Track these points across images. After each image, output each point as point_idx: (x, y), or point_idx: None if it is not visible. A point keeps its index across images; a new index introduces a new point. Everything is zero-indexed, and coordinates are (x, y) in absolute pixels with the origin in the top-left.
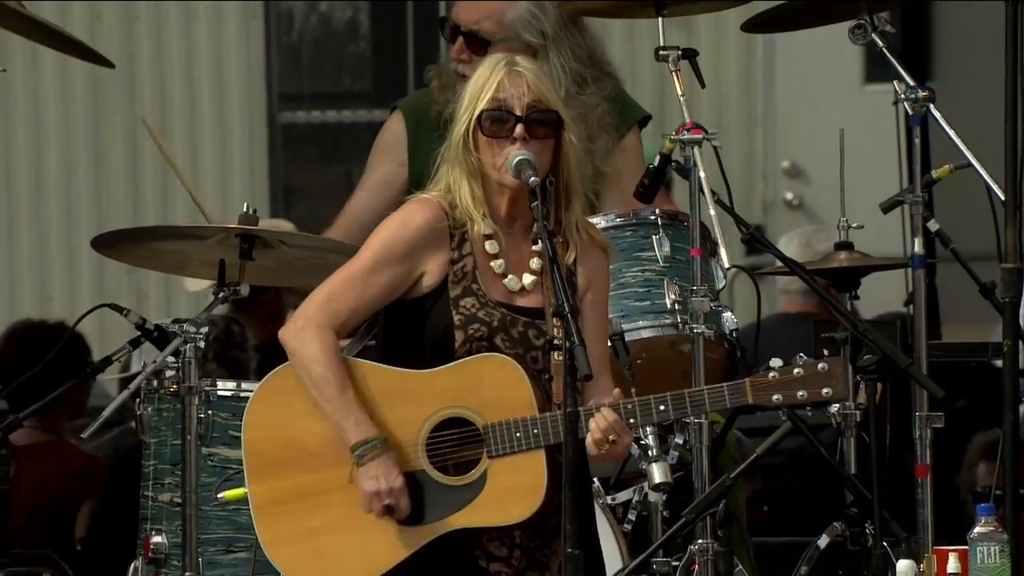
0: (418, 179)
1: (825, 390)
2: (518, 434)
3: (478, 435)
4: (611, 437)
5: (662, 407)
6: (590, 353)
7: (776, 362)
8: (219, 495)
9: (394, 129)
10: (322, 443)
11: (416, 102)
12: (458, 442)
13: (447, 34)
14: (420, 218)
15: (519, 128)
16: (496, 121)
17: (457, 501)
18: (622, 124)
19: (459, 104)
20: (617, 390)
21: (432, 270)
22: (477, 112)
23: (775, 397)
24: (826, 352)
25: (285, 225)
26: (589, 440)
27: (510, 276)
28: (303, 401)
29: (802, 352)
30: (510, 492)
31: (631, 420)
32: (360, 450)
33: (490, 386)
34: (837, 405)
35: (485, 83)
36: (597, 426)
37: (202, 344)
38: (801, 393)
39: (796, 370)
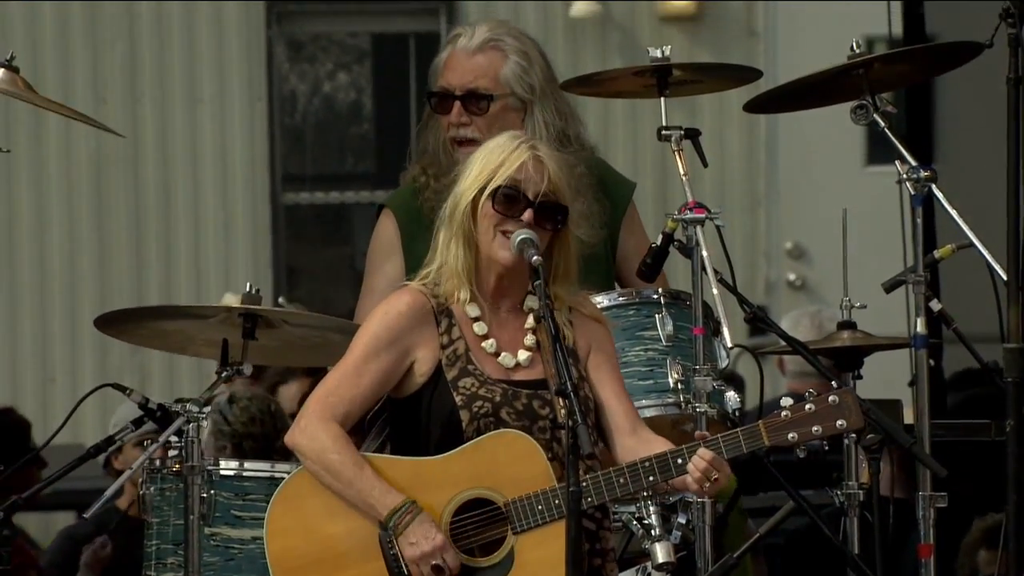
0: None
1: (839, 422)
2: (540, 507)
3: (500, 513)
4: (713, 476)
5: (679, 461)
6: (618, 408)
7: (787, 401)
8: None
9: (387, 229)
10: (347, 541)
11: (403, 200)
12: (481, 523)
13: (437, 105)
14: (402, 304)
15: (528, 213)
16: (509, 200)
17: None
18: (621, 198)
19: (469, 168)
20: (700, 432)
21: (423, 356)
22: (493, 186)
23: (790, 436)
24: (834, 384)
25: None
26: (690, 480)
27: (504, 354)
28: (322, 502)
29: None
30: (540, 565)
31: (650, 478)
32: (393, 520)
33: (505, 463)
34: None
35: (506, 159)
36: (696, 467)
37: (205, 423)
38: (816, 428)
39: (808, 406)
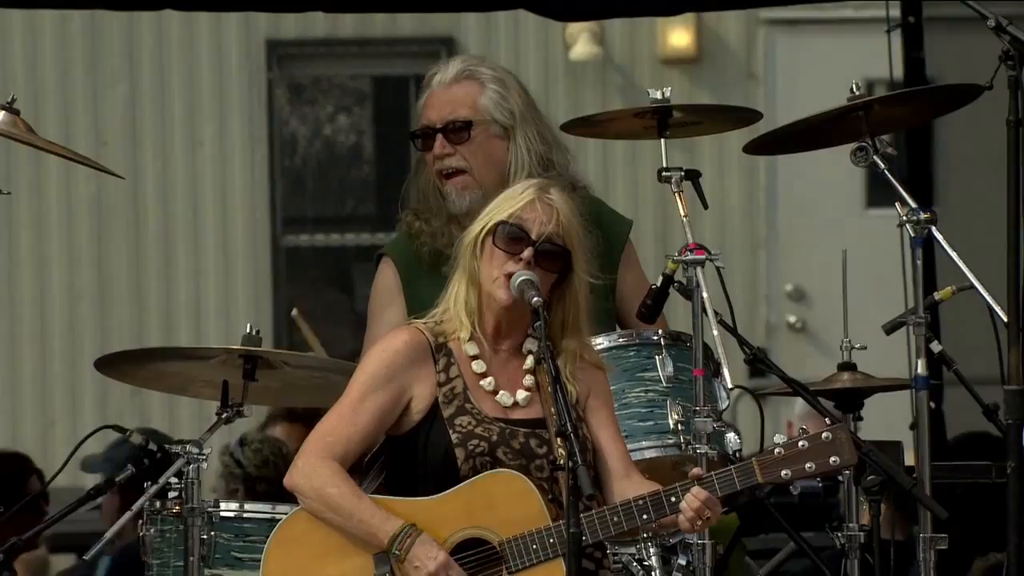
0: None
1: (833, 459)
2: (534, 546)
3: (496, 553)
4: (706, 515)
5: (673, 499)
6: (613, 451)
7: (780, 438)
8: None
9: (387, 277)
10: None
11: (401, 247)
12: (477, 563)
13: (420, 144)
14: (399, 342)
15: (528, 251)
16: (510, 237)
17: None
18: (618, 236)
19: (483, 211)
20: (697, 469)
21: (420, 394)
22: (495, 221)
23: (784, 473)
24: (828, 421)
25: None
26: (682, 519)
27: (502, 392)
28: (317, 544)
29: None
30: None
31: (644, 516)
32: (395, 545)
33: (500, 502)
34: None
35: (514, 198)
36: (689, 506)
37: (205, 465)
38: (809, 465)
39: (801, 443)
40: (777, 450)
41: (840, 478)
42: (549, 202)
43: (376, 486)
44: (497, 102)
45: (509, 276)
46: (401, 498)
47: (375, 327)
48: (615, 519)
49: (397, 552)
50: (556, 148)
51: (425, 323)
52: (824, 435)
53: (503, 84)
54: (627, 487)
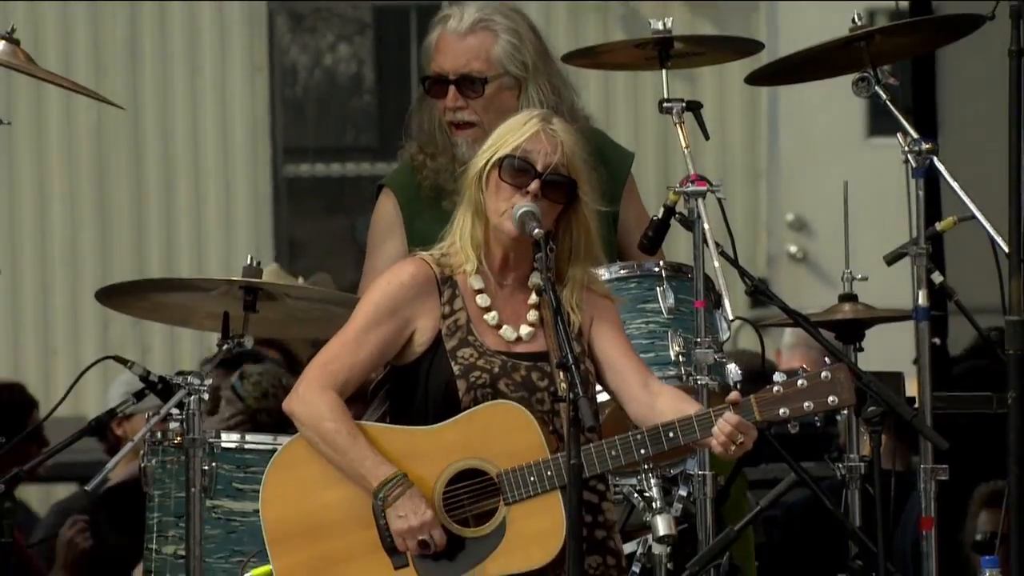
0: None
1: (831, 398)
2: (532, 478)
3: (494, 484)
4: (738, 439)
5: (671, 434)
6: (626, 365)
7: (779, 376)
8: (245, 575)
9: (387, 208)
10: (340, 510)
11: (402, 179)
12: (475, 493)
13: (431, 89)
14: (405, 274)
15: (534, 184)
16: (516, 171)
17: (480, 553)
18: (620, 168)
19: (486, 142)
20: (735, 394)
21: (423, 326)
22: (500, 155)
23: (782, 411)
24: (827, 360)
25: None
26: (715, 443)
27: (505, 327)
28: (317, 471)
29: None
30: (530, 537)
31: (642, 451)
32: (383, 491)
33: (499, 433)
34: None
35: (517, 130)
36: (721, 431)
37: (206, 396)
38: (807, 404)
39: (800, 381)
40: (776, 388)
41: (838, 416)
42: (552, 133)
43: (379, 415)
44: (511, 54)
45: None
46: (401, 427)
47: (374, 258)
48: (613, 453)
49: (384, 497)
50: (567, 93)
51: (431, 255)
52: (823, 374)
53: (517, 35)
54: (646, 397)
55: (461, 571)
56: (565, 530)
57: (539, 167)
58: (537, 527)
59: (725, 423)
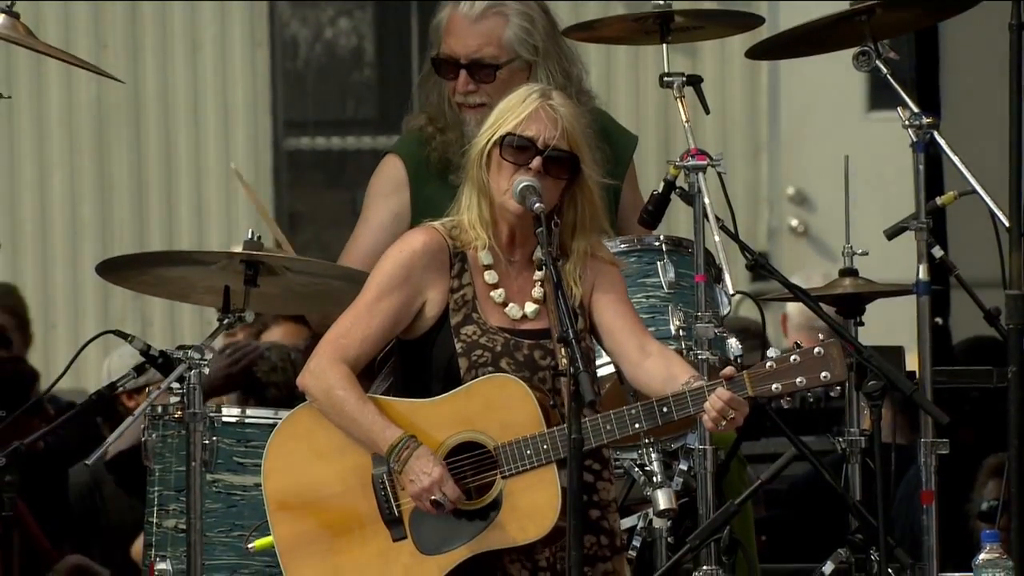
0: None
1: (824, 374)
2: (528, 451)
3: (491, 457)
4: (729, 415)
5: (664, 409)
6: (624, 327)
7: (773, 352)
8: (248, 546)
9: (394, 171)
10: (342, 481)
11: (410, 148)
12: (473, 466)
13: (441, 70)
14: (417, 243)
15: (536, 161)
16: (517, 148)
17: (476, 525)
18: (624, 151)
19: (487, 120)
20: (730, 368)
21: (433, 298)
22: (500, 134)
23: (774, 386)
24: (821, 337)
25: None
26: (706, 419)
27: (511, 305)
28: (320, 441)
29: None
30: (525, 511)
31: (636, 425)
32: (394, 454)
33: (497, 406)
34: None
35: (516, 107)
36: (712, 406)
37: (206, 370)
38: (800, 379)
39: (793, 357)
40: (769, 364)
41: (832, 392)
42: (552, 108)
43: (386, 387)
44: (522, 38)
45: None
46: (402, 399)
47: (373, 211)
48: (608, 427)
49: (394, 464)
50: (576, 74)
51: (443, 224)
52: (816, 350)
53: (528, 19)
54: (641, 360)
55: (458, 543)
56: (560, 505)
57: (540, 144)
58: (532, 501)
59: (717, 399)
